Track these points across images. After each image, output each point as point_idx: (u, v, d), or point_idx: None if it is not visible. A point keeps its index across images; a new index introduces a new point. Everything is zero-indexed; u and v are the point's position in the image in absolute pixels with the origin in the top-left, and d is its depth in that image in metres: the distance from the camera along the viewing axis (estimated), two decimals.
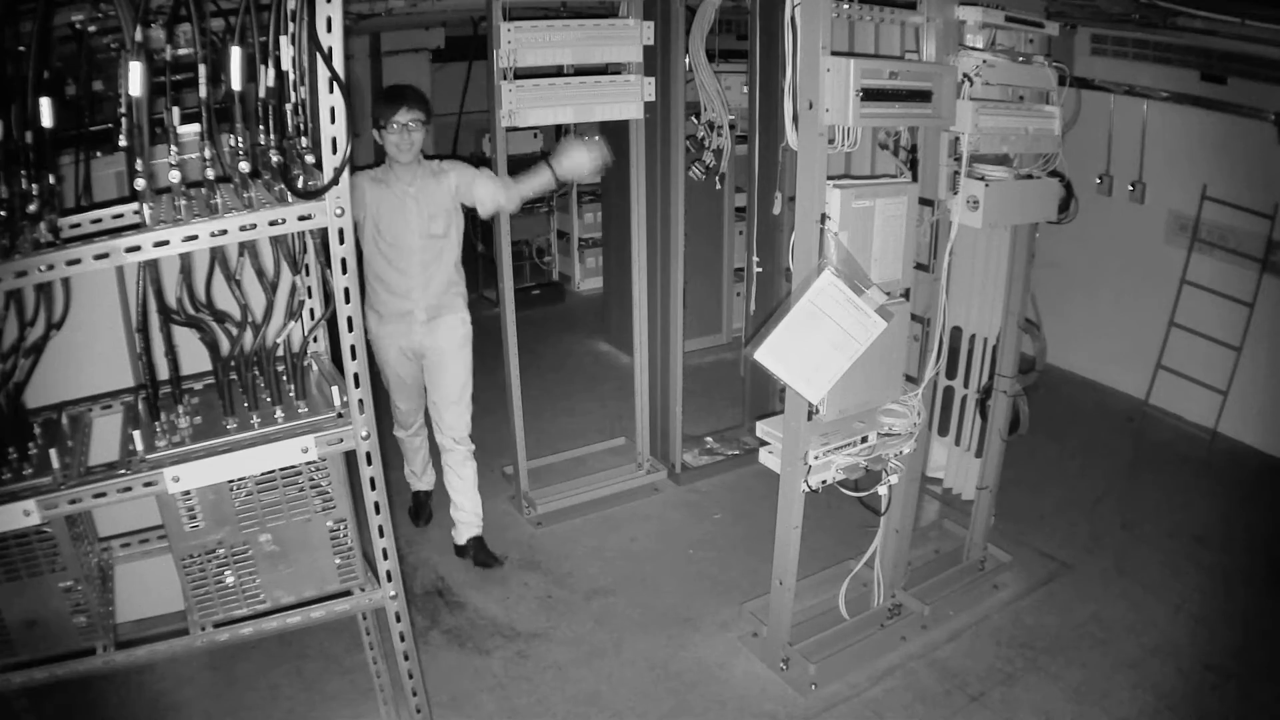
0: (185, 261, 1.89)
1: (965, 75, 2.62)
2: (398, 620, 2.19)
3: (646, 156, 3.76)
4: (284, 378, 2.03)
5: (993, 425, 3.30)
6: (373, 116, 3.09)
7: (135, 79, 1.61)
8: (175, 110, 1.71)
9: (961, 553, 3.43)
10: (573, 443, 4.33)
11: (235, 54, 1.69)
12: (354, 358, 1.91)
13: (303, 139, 1.83)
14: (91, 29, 1.93)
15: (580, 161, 3.24)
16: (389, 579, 2.12)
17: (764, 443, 2.74)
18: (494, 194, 3.24)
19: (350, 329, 1.90)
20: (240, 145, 1.77)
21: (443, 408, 3.41)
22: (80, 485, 1.78)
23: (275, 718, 2.75)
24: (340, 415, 1.96)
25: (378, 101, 3.13)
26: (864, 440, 2.72)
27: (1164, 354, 4.63)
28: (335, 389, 1.98)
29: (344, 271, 1.86)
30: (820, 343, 2.41)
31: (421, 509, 3.82)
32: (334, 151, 1.79)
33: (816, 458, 2.61)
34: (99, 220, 1.86)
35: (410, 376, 3.40)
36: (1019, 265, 3.11)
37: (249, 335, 1.98)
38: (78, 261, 1.66)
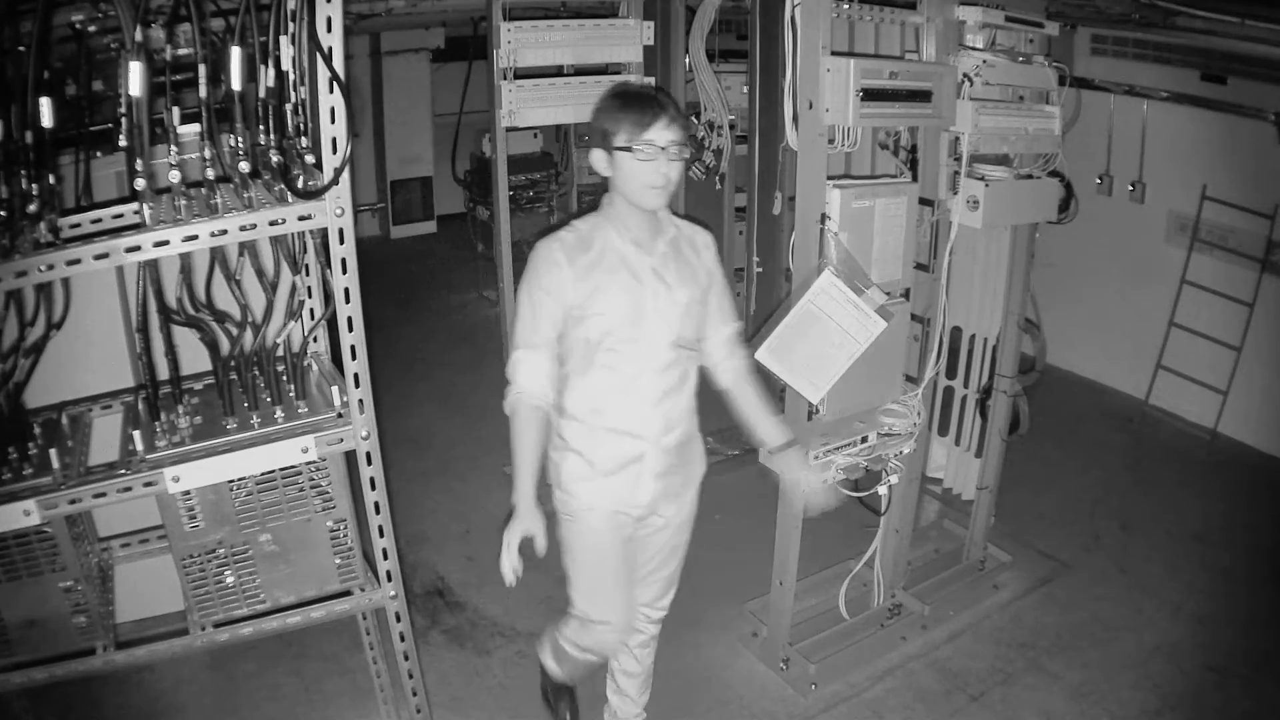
0: (185, 261, 1.89)
1: (965, 75, 2.62)
2: (398, 620, 2.19)
3: None
4: (284, 378, 2.04)
5: (993, 425, 3.29)
6: (603, 131, 1.94)
7: (135, 79, 1.62)
8: (175, 110, 1.71)
9: (961, 553, 3.43)
10: None
11: (235, 54, 1.69)
12: (354, 358, 1.91)
13: (303, 139, 1.83)
14: (91, 29, 1.93)
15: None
16: (389, 579, 2.12)
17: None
18: (709, 354, 2.20)
19: (350, 329, 1.90)
20: (240, 145, 1.77)
21: (654, 583, 2.36)
22: (80, 485, 1.78)
23: (275, 718, 2.75)
24: (340, 415, 1.96)
25: (606, 111, 1.95)
26: (864, 440, 2.72)
27: (1164, 354, 4.62)
28: (335, 389, 1.99)
29: (344, 271, 1.86)
30: (820, 343, 2.41)
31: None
32: (334, 151, 1.79)
33: (817, 458, 2.61)
34: (99, 220, 1.86)
35: (626, 556, 2.24)
36: (1019, 265, 3.11)
37: (249, 335, 1.98)
38: (78, 261, 1.66)
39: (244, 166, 1.78)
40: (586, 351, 2.01)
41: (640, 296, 1.98)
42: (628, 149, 1.90)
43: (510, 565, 2.02)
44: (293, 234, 1.98)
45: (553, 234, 2.02)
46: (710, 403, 4.79)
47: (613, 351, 2.00)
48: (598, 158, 1.97)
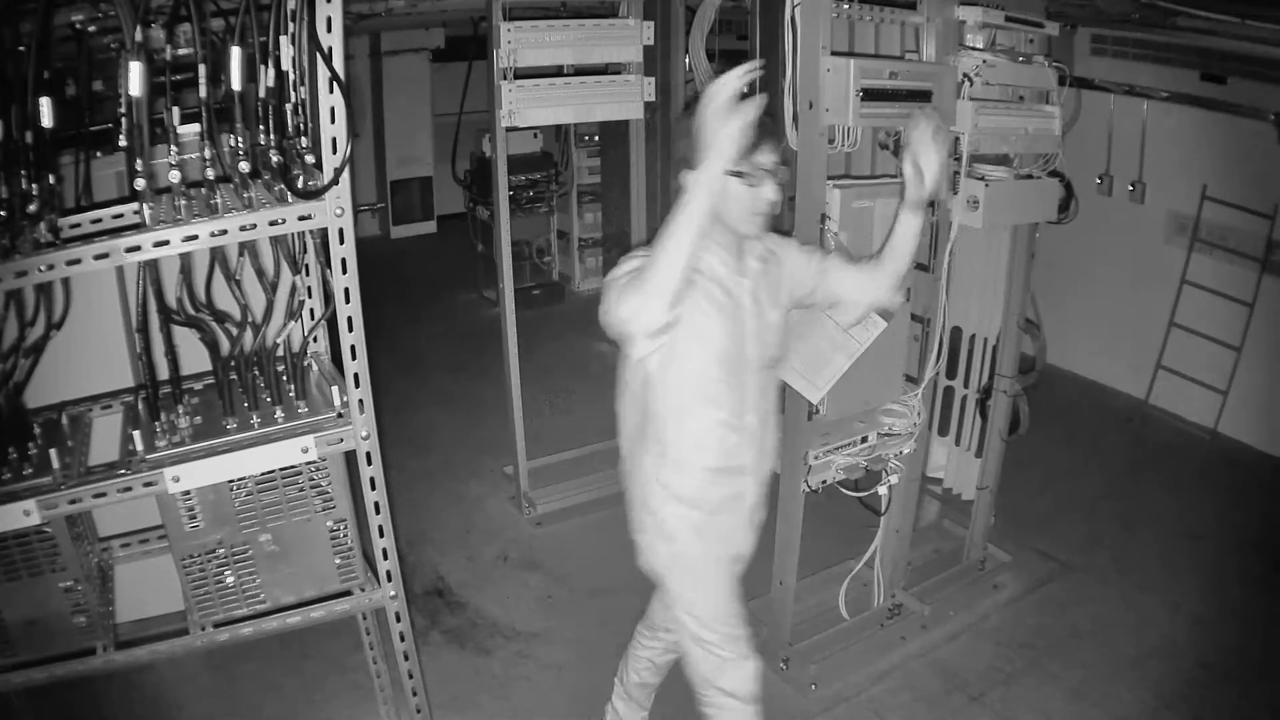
0: (185, 261, 1.89)
1: (965, 75, 2.62)
2: (398, 620, 2.19)
3: (646, 156, 3.76)
4: (284, 378, 2.03)
5: (993, 425, 3.30)
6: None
7: (135, 79, 1.62)
8: (175, 110, 1.71)
9: (961, 553, 3.43)
10: (573, 443, 4.32)
11: (235, 54, 1.69)
12: (354, 358, 1.91)
13: (303, 139, 1.83)
14: (91, 29, 1.92)
15: (938, 160, 2.06)
16: (389, 579, 2.12)
17: None
18: (862, 285, 2.09)
19: (350, 329, 1.90)
20: (240, 145, 1.77)
21: None
22: (80, 485, 1.78)
23: (275, 718, 2.75)
24: (340, 415, 1.96)
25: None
26: (864, 440, 2.72)
27: (1164, 354, 4.62)
28: (335, 389, 1.98)
29: (344, 271, 1.86)
30: (820, 343, 2.42)
31: None
32: (334, 151, 1.79)
33: (817, 458, 2.61)
34: (99, 220, 1.85)
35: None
36: (1019, 265, 3.11)
37: (249, 335, 1.98)
38: (78, 261, 1.66)
39: (244, 166, 1.78)
40: (683, 385, 1.88)
41: (741, 322, 1.89)
42: (737, 174, 1.77)
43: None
44: (293, 234, 1.98)
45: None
46: None
47: (716, 382, 1.88)
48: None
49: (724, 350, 1.87)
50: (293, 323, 2.03)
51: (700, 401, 1.89)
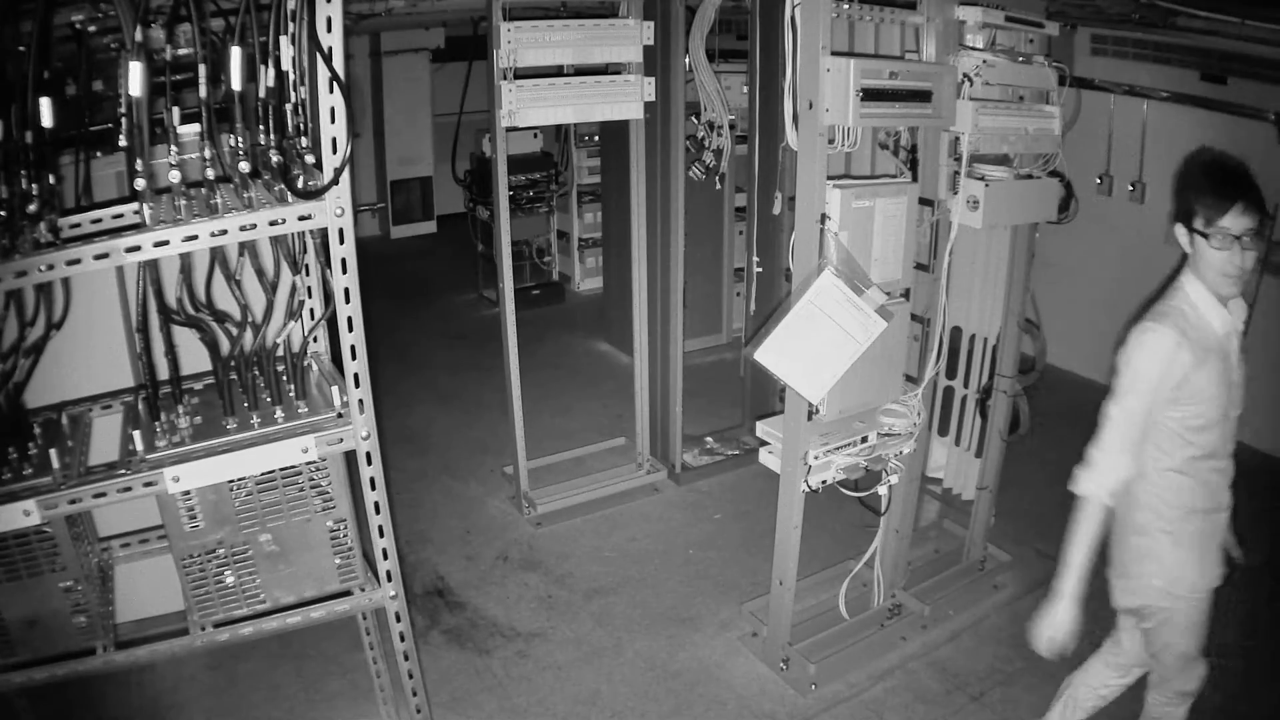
0: (185, 261, 1.89)
1: (965, 75, 2.62)
2: (398, 620, 2.19)
3: (646, 156, 3.76)
4: (284, 378, 2.03)
5: (993, 425, 3.29)
6: (1185, 205, 1.94)
7: (135, 79, 1.62)
8: (175, 110, 1.71)
9: (961, 553, 3.43)
10: (573, 443, 4.33)
11: (235, 54, 1.69)
12: (354, 358, 1.91)
13: (303, 139, 1.83)
14: (91, 29, 1.93)
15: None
16: (389, 579, 2.12)
17: (764, 443, 2.74)
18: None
19: (350, 329, 1.90)
20: (240, 145, 1.77)
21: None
22: (80, 485, 1.78)
23: (275, 718, 2.75)
24: (340, 415, 1.96)
25: (1189, 183, 1.96)
26: (864, 440, 2.72)
27: None
28: (335, 389, 1.98)
29: (344, 271, 1.86)
30: (820, 343, 2.41)
31: None
32: (334, 151, 1.79)
33: (816, 458, 2.61)
34: (99, 220, 1.86)
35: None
36: (1019, 265, 3.11)
37: (249, 335, 1.98)
38: (78, 261, 1.66)
39: (244, 166, 1.78)
40: (1183, 443, 2.02)
41: (1229, 382, 2.04)
42: (1204, 235, 1.89)
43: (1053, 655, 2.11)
44: (293, 234, 1.98)
45: (1163, 318, 1.99)
46: (710, 403, 4.74)
47: (1207, 436, 2.02)
48: (1180, 232, 1.95)
49: (1219, 413, 2.07)
50: (293, 323, 2.03)
51: (1192, 457, 2.07)
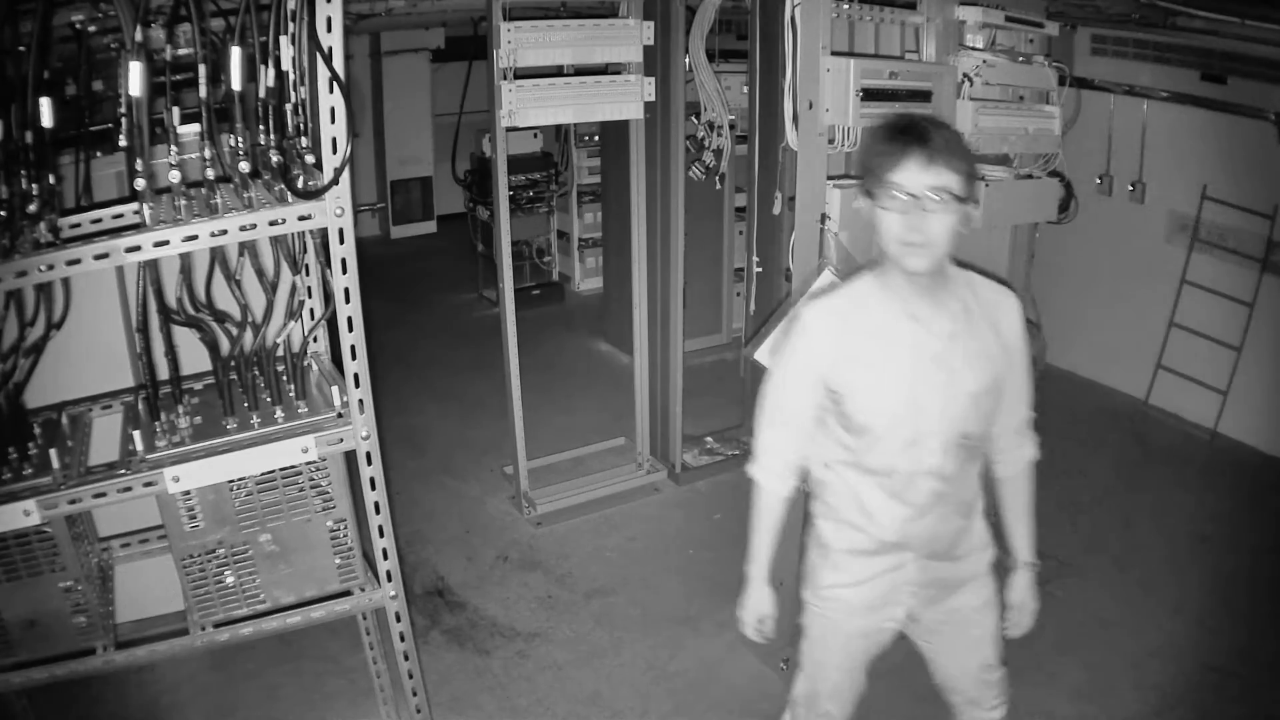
0: (185, 261, 1.89)
1: (965, 75, 2.62)
2: (398, 620, 2.19)
3: (646, 156, 3.76)
4: (284, 378, 2.03)
5: None
6: (863, 168, 1.65)
7: (135, 79, 1.62)
8: (175, 110, 1.71)
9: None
10: (572, 443, 4.33)
11: (235, 54, 1.69)
12: (354, 358, 1.91)
13: (303, 139, 1.83)
14: (91, 29, 1.93)
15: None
16: (389, 579, 2.12)
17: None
18: (1015, 422, 1.86)
19: (350, 329, 1.90)
20: (240, 145, 1.77)
21: (969, 686, 2.09)
22: (80, 485, 1.78)
23: (275, 718, 2.75)
24: (340, 415, 1.96)
25: (868, 143, 1.70)
26: None
27: (1164, 354, 4.62)
28: (335, 389, 1.98)
29: (344, 271, 1.86)
30: None
31: None
32: (334, 151, 1.79)
33: None
34: (99, 220, 1.86)
35: (864, 663, 2.07)
36: (1019, 265, 3.11)
37: (249, 335, 1.98)
38: (78, 261, 1.66)
39: (244, 166, 1.78)
40: (847, 445, 1.74)
41: (914, 385, 1.65)
42: (871, 195, 1.58)
43: (758, 638, 2.04)
44: (293, 234, 1.98)
45: (823, 297, 1.75)
46: (710, 403, 4.73)
47: (879, 448, 1.70)
48: (863, 204, 1.64)
49: (891, 416, 1.70)
50: (293, 323, 2.03)
51: (858, 464, 1.77)
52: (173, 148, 1.71)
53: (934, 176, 1.51)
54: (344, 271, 1.86)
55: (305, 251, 2.08)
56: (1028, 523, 1.96)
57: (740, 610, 2.04)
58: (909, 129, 1.56)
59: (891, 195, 1.54)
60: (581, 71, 3.51)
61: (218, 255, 1.93)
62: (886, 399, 1.67)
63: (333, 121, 1.78)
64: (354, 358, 1.91)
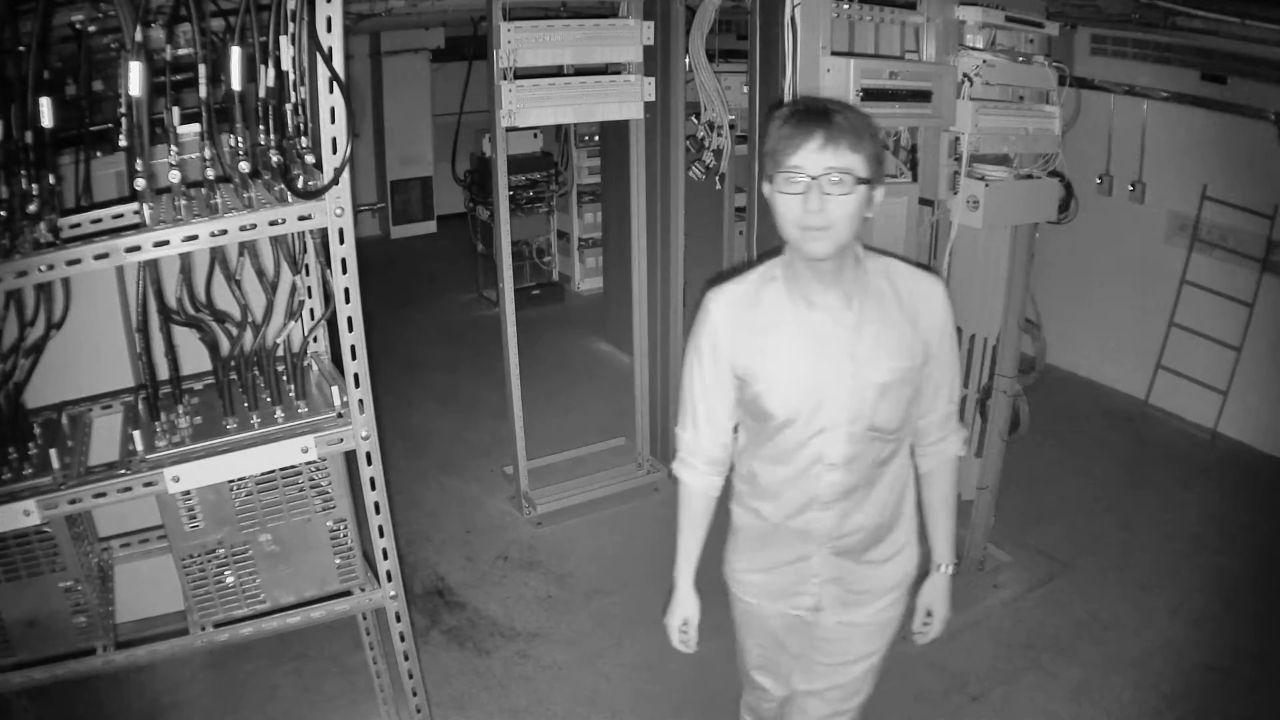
0: (185, 261, 1.89)
1: (965, 75, 2.62)
2: (398, 620, 2.19)
3: (646, 156, 3.76)
4: (284, 378, 2.03)
5: (993, 425, 3.29)
6: (767, 151, 1.54)
7: (135, 79, 1.61)
8: (175, 110, 1.71)
9: (961, 552, 3.43)
10: (572, 443, 4.33)
11: (235, 54, 1.69)
12: (354, 358, 1.91)
13: (303, 139, 1.83)
14: (91, 29, 1.93)
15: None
16: (389, 579, 2.12)
17: None
18: (938, 415, 1.77)
19: (350, 329, 1.90)
20: (240, 145, 1.77)
21: (817, 691, 1.97)
22: (80, 485, 1.78)
23: (275, 718, 2.75)
24: (340, 415, 1.96)
25: (772, 132, 1.53)
26: None
27: (1164, 354, 4.62)
28: (335, 389, 1.98)
29: (344, 271, 1.86)
30: None
31: None
32: (334, 151, 1.79)
33: None
34: (99, 220, 1.86)
35: (787, 642, 1.97)
36: (1019, 265, 3.11)
37: (249, 335, 1.98)
38: (78, 261, 1.66)
39: (244, 166, 1.78)
40: (752, 432, 1.75)
41: (816, 374, 1.62)
42: (769, 178, 1.52)
43: (680, 645, 1.95)
44: (293, 234, 1.98)
45: (721, 284, 1.70)
46: None
47: (781, 436, 1.68)
48: (766, 191, 1.56)
49: (791, 404, 1.67)
50: (293, 323, 2.03)
51: (765, 452, 1.77)
52: (173, 148, 1.71)
53: (834, 158, 1.46)
54: (344, 271, 1.86)
55: (305, 251, 2.07)
56: (947, 522, 1.87)
57: (665, 616, 1.94)
58: (808, 111, 1.50)
59: (789, 179, 1.48)
60: (581, 71, 3.51)
61: (218, 255, 1.93)
62: (787, 387, 1.64)
63: (333, 121, 1.78)
64: (354, 358, 1.91)
